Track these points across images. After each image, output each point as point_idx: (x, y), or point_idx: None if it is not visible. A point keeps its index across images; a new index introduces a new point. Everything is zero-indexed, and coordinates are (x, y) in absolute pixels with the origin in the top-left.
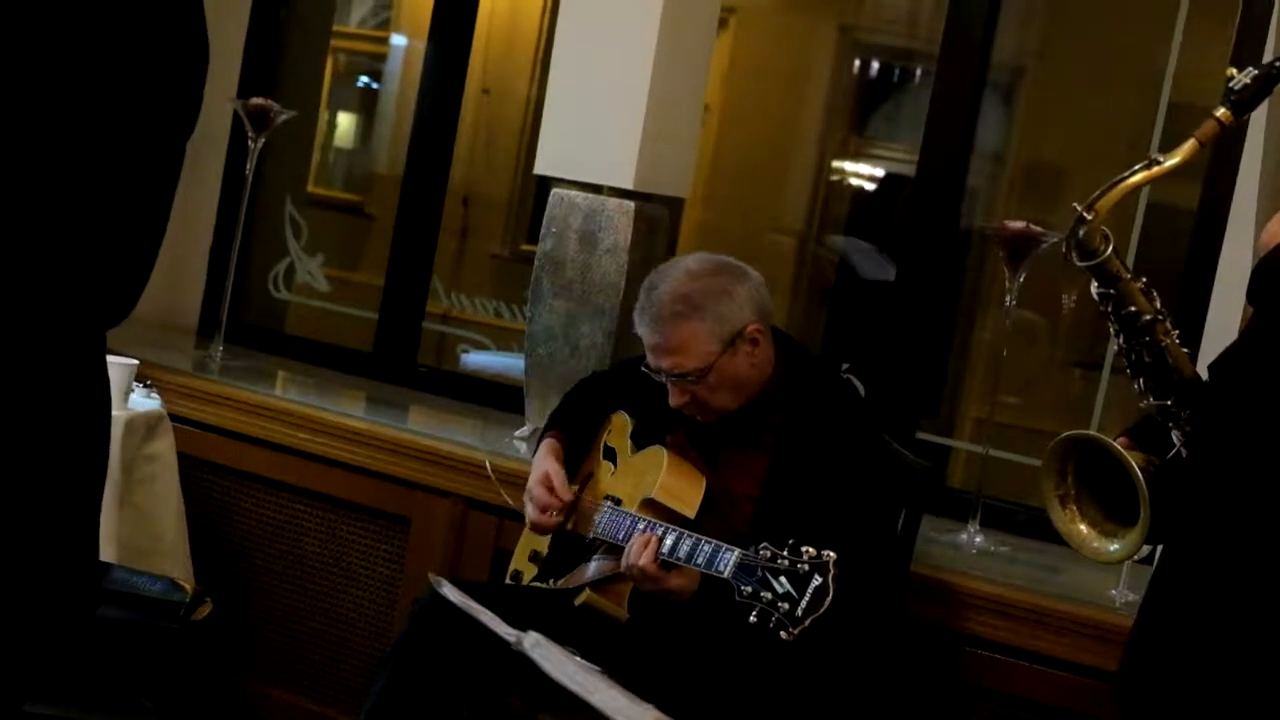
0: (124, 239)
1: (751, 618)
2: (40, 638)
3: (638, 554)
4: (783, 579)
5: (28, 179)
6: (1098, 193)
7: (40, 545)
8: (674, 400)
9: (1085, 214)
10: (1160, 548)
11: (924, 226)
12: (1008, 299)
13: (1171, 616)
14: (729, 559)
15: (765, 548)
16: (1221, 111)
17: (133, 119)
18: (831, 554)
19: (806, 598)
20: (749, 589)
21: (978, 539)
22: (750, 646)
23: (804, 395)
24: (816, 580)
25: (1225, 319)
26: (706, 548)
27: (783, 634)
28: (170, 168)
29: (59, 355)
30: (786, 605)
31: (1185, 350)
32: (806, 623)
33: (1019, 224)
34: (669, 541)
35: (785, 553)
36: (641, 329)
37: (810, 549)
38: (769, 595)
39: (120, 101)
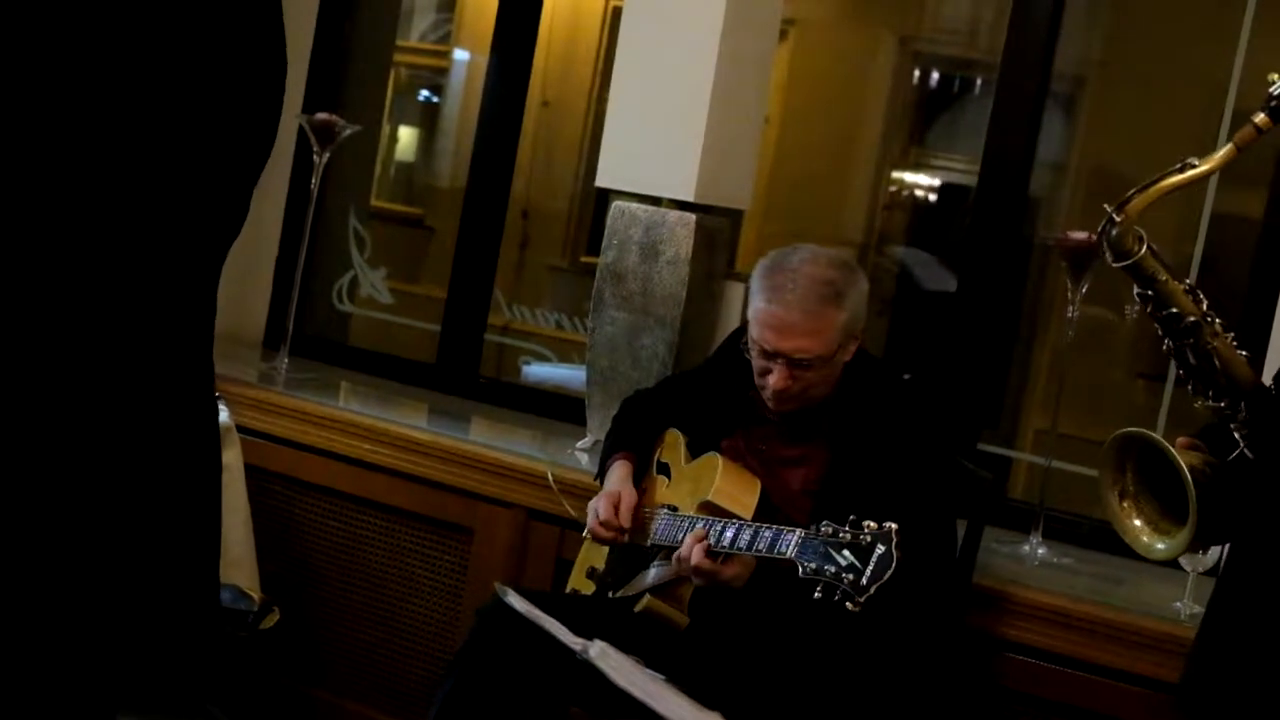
0: (200, 223)
1: (816, 593)
2: (150, 644)
3: (688, 550)
4: (845, 552)
5: (116, 150)
6: (1129, 194)
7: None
8: (777, 383)
9: (1115, 215)
10: (1224, 559)
11: (986, 237)
12: (1070, 310)
13: (1235, 626)
14: (790, 540)
15: (826, 524)
16: (1261, 118)
17: (221, 99)
18: (893, 525)
19: (871, 566)
20: (812, 565)
21: (1040, 550)
22: (816, 629)
23: (865, 392)
24: (880, 549)
25: None
26: (767, 534)
27: (848, 605)
28: (249, 150)
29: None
30: (851, 576)
31: (1243, 353)
32: (872, 590)
33: (1081, 234)
34: (729, 534)
35: (846, 527)
36: (775, 306)
37: (871, 523)
38: (832, 569)
39: (209, 81)
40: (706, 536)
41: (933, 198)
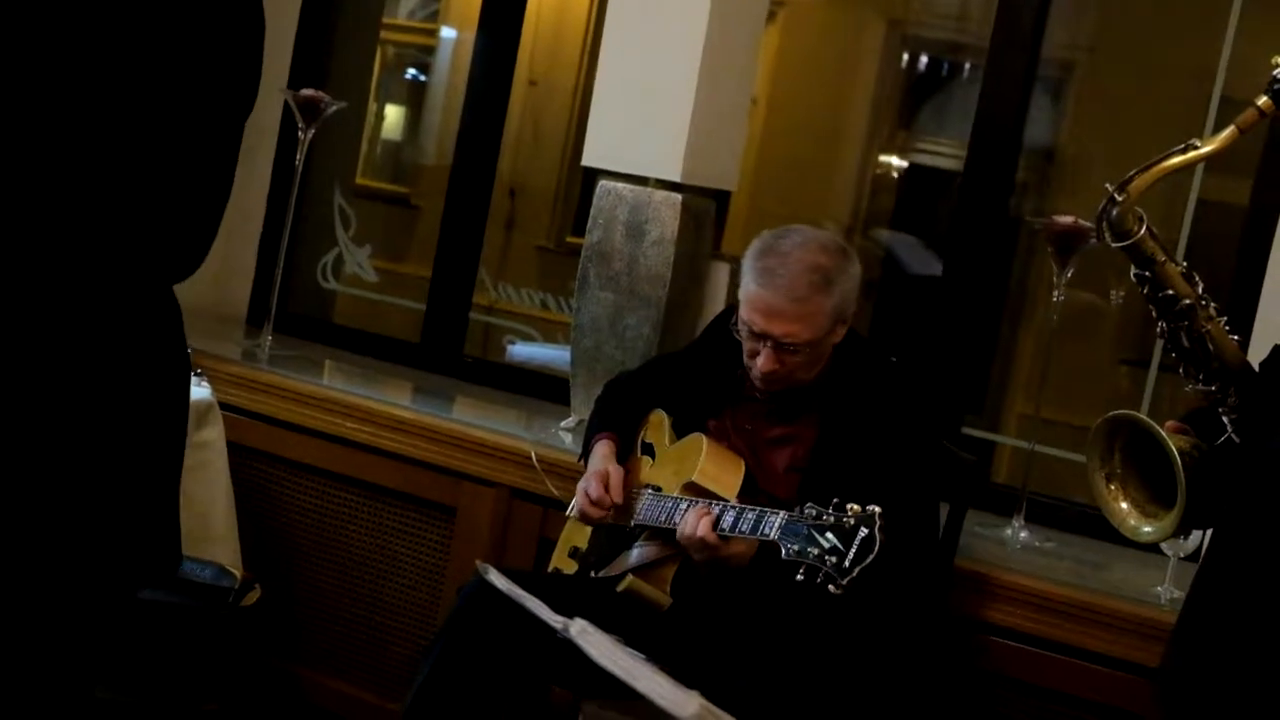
0: (188, 196)
1: (799, 575)
2: (113, 607)
3: (694, 523)
4: (829, 534)
5: (95, 139)
6: (1131, 174)
7: (119, 513)
8: (765, 365)
9: (1117, 195)
10: (1206, 544)
11: (972, 221)
12: (1055, 294)
13: (1216, 611)
14: (774, 521)
15: (810, 507)
16: (1263, 100)
17: (196, 82)
18: (876, 508)
19: (854, 549)
20: (796, 547)
21: (1022, 534)
22: (799, 611)
23: (853, 373)
24: (863, 532)
25: (1276, 316)
26: (751, 515)
27: (831, 587)
28: (230, 128)
29: (136, 318)
30: (834, 559)
31: (1234, 337)
32: (855, 573)
33: (1067, 219)
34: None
35: (830, 510)
36: (765, 290)
37: (855, 505)
38: (815, 551)
39: (184, 63)
40: None
41: (919, 181)
